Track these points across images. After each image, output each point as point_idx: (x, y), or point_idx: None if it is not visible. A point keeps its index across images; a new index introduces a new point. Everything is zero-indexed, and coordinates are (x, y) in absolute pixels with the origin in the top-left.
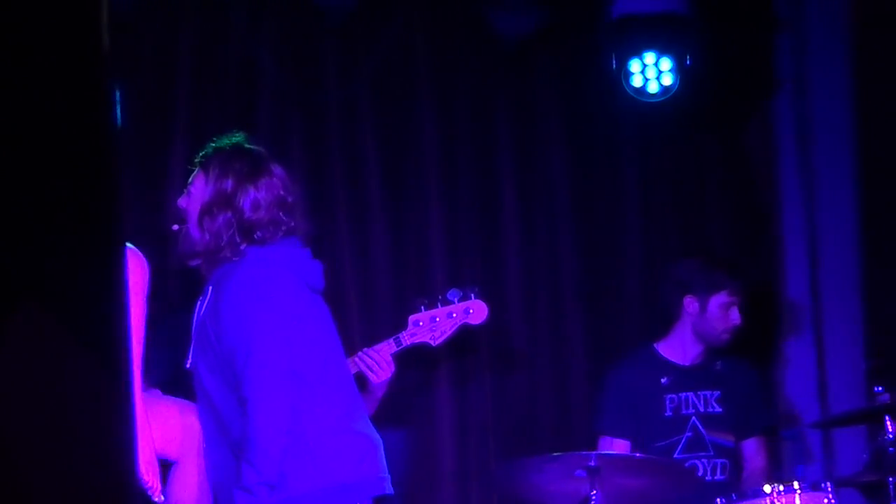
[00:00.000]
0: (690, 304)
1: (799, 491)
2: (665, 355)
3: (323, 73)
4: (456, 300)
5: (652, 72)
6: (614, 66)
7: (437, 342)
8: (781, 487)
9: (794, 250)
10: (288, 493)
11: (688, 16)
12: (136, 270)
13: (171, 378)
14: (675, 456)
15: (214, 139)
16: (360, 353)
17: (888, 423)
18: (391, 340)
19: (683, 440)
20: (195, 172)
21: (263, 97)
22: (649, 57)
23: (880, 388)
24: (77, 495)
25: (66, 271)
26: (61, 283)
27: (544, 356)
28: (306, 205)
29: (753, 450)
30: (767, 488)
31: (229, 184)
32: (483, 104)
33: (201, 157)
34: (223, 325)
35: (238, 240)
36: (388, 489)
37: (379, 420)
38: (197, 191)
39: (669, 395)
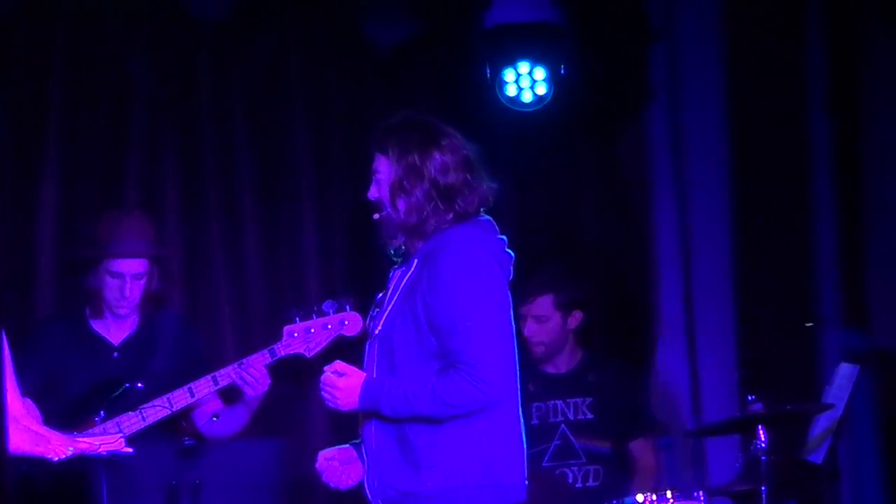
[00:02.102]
0: None
1: (672, 500)
2: (536, 364)
3: (197, 82)
4: (331, 312)
5: (526, 81)
6: (488, 75)
7: (311, 353)
8: (654, 497)
9: (667, 258)
10: (447, 484)
11: (562, 25)
12: None
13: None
14: (544, 464)
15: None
16: (234, 364)
17: (761, 431)
18: (266, 351)
19: (552, 448)
20: (375, 159)
21: (137, 106)
22: (523, 66)
23: (753, 397)
24: None
25: None
26: None
27: None
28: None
29: (641, 450)
30: (640, 497)
31: (414, 155)
32: (357, 113)
33: (375, 142)
34: (441, 297)
35: (442, 207)
36: (525, 497)
37: (252, 431)
38: (384, 175)
39: (536, 404)
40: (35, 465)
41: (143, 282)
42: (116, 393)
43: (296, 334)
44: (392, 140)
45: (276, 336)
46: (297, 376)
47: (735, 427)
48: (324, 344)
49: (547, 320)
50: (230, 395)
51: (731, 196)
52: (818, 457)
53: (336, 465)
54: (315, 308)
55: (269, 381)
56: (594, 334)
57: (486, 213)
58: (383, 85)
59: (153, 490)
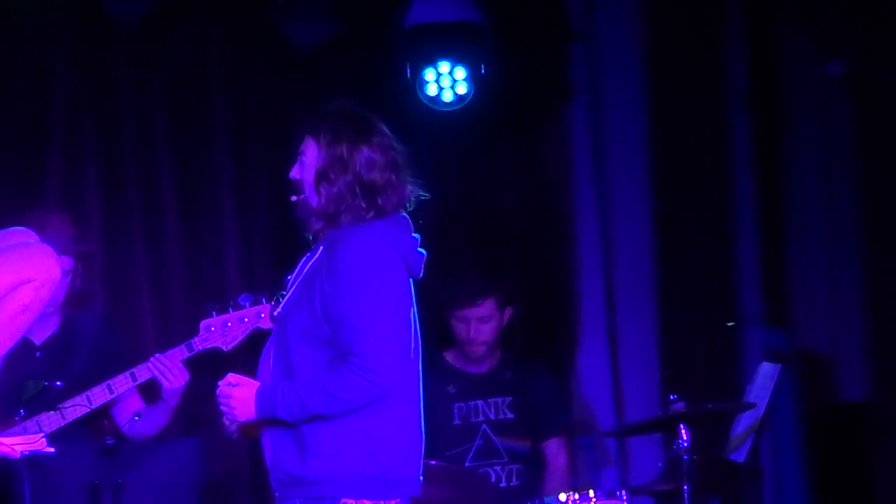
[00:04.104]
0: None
1: (594, 499)
2: (453, 364)
3: (116, 80)
4: (247, 305)
5: (447, 81)
6: (409, 74)
7: (228, 347)
8: (577, 496)
9: (588, 260)
10: (330, 471)
11: (482, 25)
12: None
13: None
14: (466, 464)
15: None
16: (152, 358)
17: (683, 431)
18: (183, 346)
19: (473, 448)
20: (304, 141)
21: (56, 105)
22: (444, 66)
23: (675, 397)
24: None
25: None
26: None
27: None
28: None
29: (554, 450)
30: (563, 496)
31: (343, 147)
32: (276, 112)
33: (308, 124)
34: (337, 287)
35: (363, 204)
36: (418, 492)
37: (172, 429)
38: (310, 159)
39: (458, 404)
40: None
41: (67, 280)
42: (35, 392)
43: (213, 328)
44: (325, 127)
45: (194, 331)
46: (217, 371)
47: (657, 426)
48: (241, 337)
49: (490, 320)
50: (151, 394)
51: (653, 196)
52: (740, 456)
53: None
54: (231, 302)
55: (186, 376)
56: (516, 335)
57: (409, 212)
58: (303, 85)
59: (75, 490)
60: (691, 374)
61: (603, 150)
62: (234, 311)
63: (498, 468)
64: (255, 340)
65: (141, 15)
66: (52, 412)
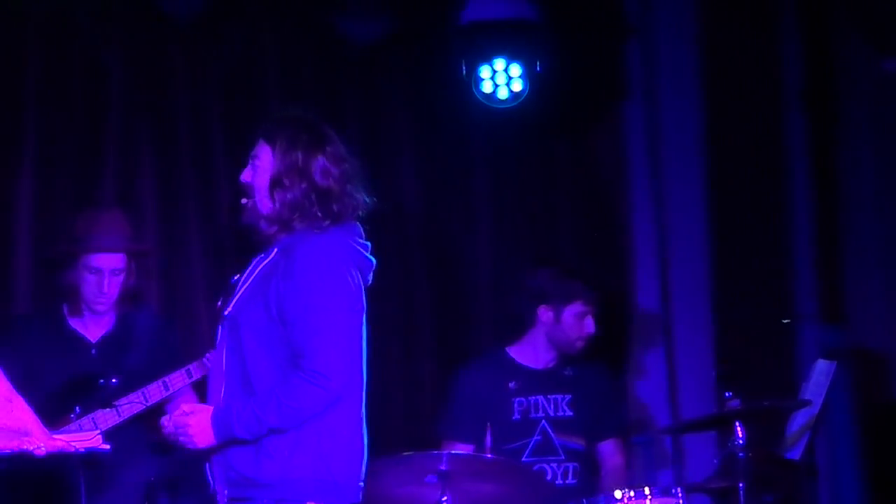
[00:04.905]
0: (545, 313)
1: (650, 496)
2: (517, 359)
3: (172, 77)
4: None
5: (502, 78)
6: (464, 71)
7: None
8: (632, 493)
9: (644, 256)
10: (283, 475)
11: (537, 22)
12: None
13: None
14: (524, 459)
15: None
16: (207, 355)
17: (738, 428)
18: None
19: (532, 443)
20: (258, 145)
21: (113, 101)
22: (499, 63)
23: (730, 394)
24: None
25: None
26: None
27: (395, 360)
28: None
29: (611, 451)
30: (618, 493)
31: (299, 155)
32: (332, 109)
33: (263, 130)
34: (291, 289)
35: (318, 212)
36: (359, 499)
37: None
38: (264, 163)
39: (518, 399)
40: (14, 463)
41: (121, 277)
42: (91, 389)
43: None
44: (281, 134)
45: None
46: None
47: (713, 423)
48: None
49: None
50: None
51: (708, 193)
52: (796, 453)
53: None
54: None
55: None
56: None
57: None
58: (359, 82)
59: (131, 487)
60: (747, 371)
61: (658, 148)
62: None
63: (554, 465)
64: None
65: (196, 13)
66: (107, 409)
